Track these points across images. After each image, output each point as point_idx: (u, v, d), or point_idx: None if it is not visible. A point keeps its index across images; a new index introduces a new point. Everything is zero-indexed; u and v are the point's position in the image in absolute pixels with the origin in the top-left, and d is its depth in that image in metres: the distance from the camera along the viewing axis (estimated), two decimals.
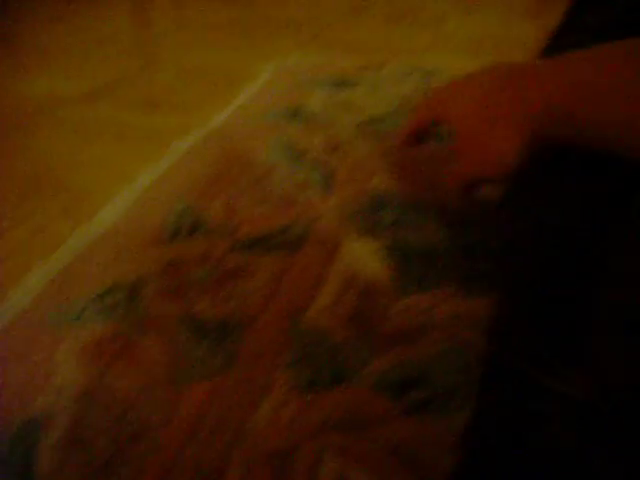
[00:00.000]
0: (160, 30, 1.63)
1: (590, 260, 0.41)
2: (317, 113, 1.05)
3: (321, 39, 1.56)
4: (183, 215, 0.78)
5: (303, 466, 0.49)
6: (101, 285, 0.67)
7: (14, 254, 0.75)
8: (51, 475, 0.49)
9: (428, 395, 0.55)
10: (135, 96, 1.20)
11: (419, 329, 0.61)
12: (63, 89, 1.25)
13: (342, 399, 0.54)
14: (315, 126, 1.01)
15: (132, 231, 0.76)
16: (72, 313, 0.64)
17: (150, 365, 0.58)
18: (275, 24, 1.66)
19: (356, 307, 0.63)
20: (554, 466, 0.37)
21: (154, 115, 1.11)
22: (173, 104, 1.15)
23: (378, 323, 0.61)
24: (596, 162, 0.45)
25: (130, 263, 0.70)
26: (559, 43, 0.57)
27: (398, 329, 0.61)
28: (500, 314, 0.46)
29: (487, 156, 0.51)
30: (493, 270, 0.64)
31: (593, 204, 0.44)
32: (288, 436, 0.51)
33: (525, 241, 0.47)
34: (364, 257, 0.70)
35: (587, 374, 0.38)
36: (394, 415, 0.53)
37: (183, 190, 0.84)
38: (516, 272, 0.47)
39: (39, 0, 1.91)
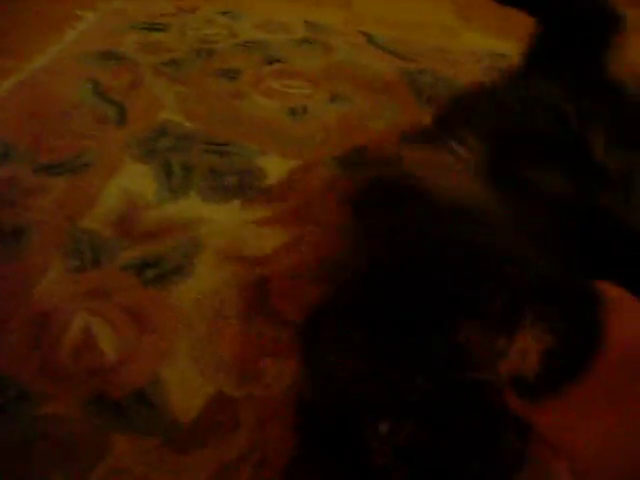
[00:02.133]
0: None
1: None
2: (125, 55, 1.25)
3: None
4: None
5: (61, 321, 0.72)
6: None
7: None
8: None
9: (162, 272, 0.79)
10: None
11: (164, 230, 0.85)
12: None
13: (98, 277, 0.77)
14: (121, 67, 1.20)
15: None
16: None
17: None
18: None
19: (121, 214, 0.86)
20: None
21: None
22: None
23: (135, 226, 0.85)
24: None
25: None
26: None
27: (149, 230, 0.84)
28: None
29: None
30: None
31: None
32: (54, 302, 0.74)
33: None
34: (135, 177, 0.92)
35: None
36: (135, 286, 0.77)
37: None
38: None
39: None
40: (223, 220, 0.86)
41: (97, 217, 0.85)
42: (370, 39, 1.45)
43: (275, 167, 0.97)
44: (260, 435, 0.61)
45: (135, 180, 0.92)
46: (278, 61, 1.30)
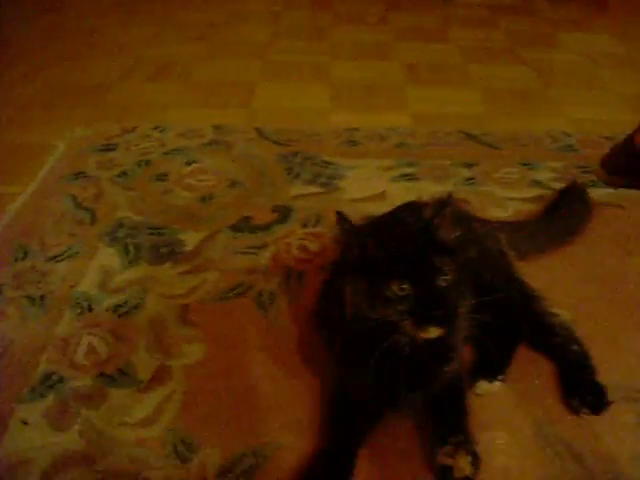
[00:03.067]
0: None
1: None
2: (90, 174, 1.89)
3: (101, 106, 2.37)
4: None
5: (73, 342, 1.36)
6: None
7: None
8: None
9: (127, 309, 1.42)
10: None
11: (127, 285, 1.48)
12: None
13: (91, 316, 1.40)
14: (88, 183, 1.85)
15: None
16: None
17: None
18: (66, 95, 2.45)
19: (101, 280, 1.50)
20: None
21: None
22: None
23: (109, 285, 1.48)
24: None
25: None
26: None
27: (118, 286, 1.48)
28: None
29: None
30: None
31: None
32: (67, 330, 1.37)
33: None
34: (107, 256, 1.56)
35: None
36: (113, 319, 1.41)
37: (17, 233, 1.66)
38: None
39: None
40: (160, 275, 1.50)
41: (87, 283, 1.48)
42: (260, 133, 2.11)
43: (191, 239, 1.62)
44: None
45: (107, 258, 1.55)
46: (194, 162, 1.95)
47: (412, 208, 1.20)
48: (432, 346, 1.01)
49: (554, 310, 1.32)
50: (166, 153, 1.97)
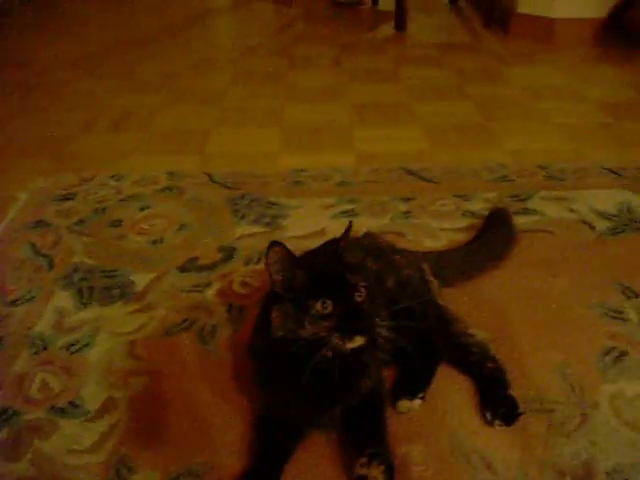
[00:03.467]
0: None
1: None
2: (49, 222, 2.01)
3: (63, 157, 2.49)
4: None
5: (29, 378, 1.47)
6: None
7: None
8: None
9: (80, 346, 1.54)
10: None
11: (80, 325, 1.60)
12: None
13: (47, 354, 1.52)
14: (47, 231, 1.97)
15: None
16: None
17: None
18: (29, 148, 2.58)
19: (55, 321, 1.61)
20: None
21: None
22: None
23: (64, 325, 1.60)
24: None
25: None
26: None
27: (72, 326, 1.59)
28: None
29: None
30: None
31: None
32: (26, 368, 1.48)
33: None
34: (62, 299, 1.68)
35: None
36: (67, 356, 1.52)
37: None
38: None
39: None
40: (112, 314, 1.62)
41: (43, 324, 1.59)
42: (210, 177, 2.24)
43: (142, 280, 1.74)
44: None
45: (62, 300, 1.66)
46: (148, 207, 2.07)
47: (334, 241, 1.33)
48: (355, 359, 1.17)
49: (471, 331, 1.45)
50: (122, 200, 2.09)
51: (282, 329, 1.14)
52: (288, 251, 1.14)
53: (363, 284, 1.14)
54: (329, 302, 1.10)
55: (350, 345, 1.12)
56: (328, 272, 1.15)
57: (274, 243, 1.13)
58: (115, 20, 4.61)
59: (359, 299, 1.13)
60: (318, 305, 1.10)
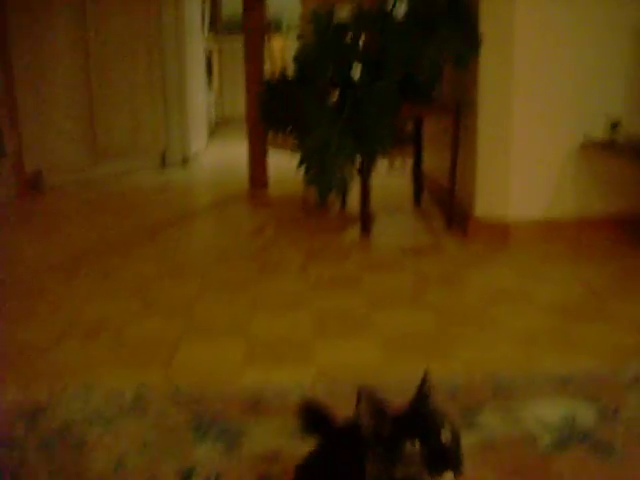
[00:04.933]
0: None
1: None
2: (16, 437, 2.08)
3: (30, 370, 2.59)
4: None
5: None
6: None
7: None
8: None
9: None
10: None
11: None
12: None
13: None
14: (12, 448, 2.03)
15: None
16: None
17: None
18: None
19: None
20: None
21: None
22: None
23: None
24: None
25: None
26: None
27: None
28: None
29: None
30: None
31: None
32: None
33: None
34: None
35: None
36: None
37: None
38: None
39: None
40: None
41: None
42: (175, 393, 2.34)
43: None
44: None
45: None
46: (112, 424, 2.15)
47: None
48: None
49: None
50: (85, 418, 2.17)
51: (375, 473, 1.24)
52: (378, 398, 1.28)
53: (448, 427, 1.26)
54: (417, 441, 1.20)
55: None
56: (417, 414, 1.27)
57: (363, 390, 1.27)
58: (99, 219, 4.90)
59: (443, 439, 1.22)
60: (408, 444, 1.20)
